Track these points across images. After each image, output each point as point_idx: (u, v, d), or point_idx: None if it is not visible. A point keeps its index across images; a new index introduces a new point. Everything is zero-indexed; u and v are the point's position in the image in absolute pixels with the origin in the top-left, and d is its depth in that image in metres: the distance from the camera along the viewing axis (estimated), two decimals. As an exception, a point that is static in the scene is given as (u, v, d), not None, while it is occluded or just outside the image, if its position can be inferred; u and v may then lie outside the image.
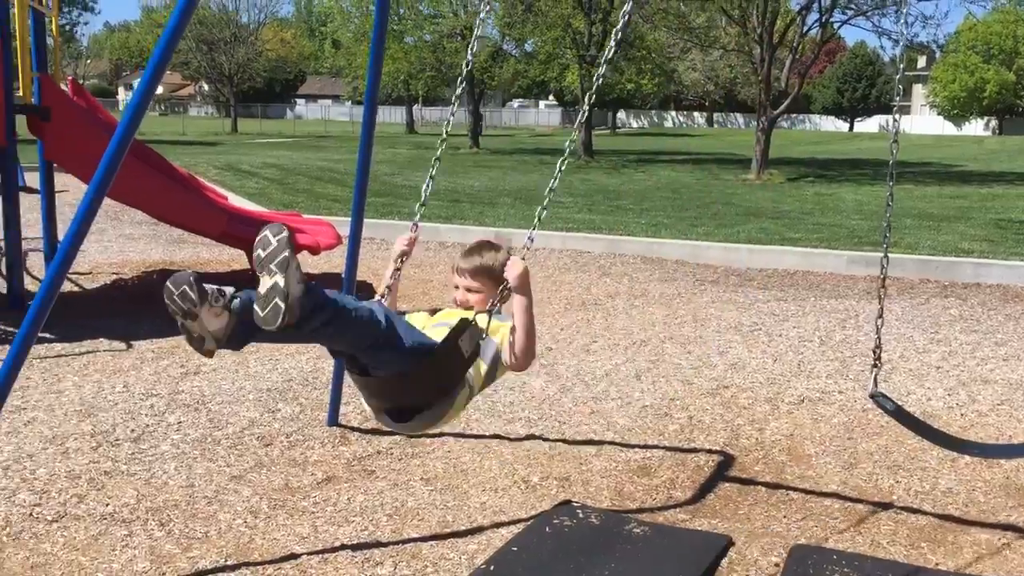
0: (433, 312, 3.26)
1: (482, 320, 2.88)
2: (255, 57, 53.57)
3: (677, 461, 4.33)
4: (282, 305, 2.43)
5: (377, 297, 3.20)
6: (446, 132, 3.57)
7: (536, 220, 3.16)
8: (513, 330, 2.98)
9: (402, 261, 3.27)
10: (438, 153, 3.55)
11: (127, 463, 4.10)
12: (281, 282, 2.45)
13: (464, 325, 2.79)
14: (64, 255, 3.00)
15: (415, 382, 2.79)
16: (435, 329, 2.98)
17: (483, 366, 2.98)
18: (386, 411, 2.95)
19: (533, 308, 3.00)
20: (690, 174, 22.74)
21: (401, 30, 34.08)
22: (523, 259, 3.01)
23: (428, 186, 3.42)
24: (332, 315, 2.57)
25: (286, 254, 2.48)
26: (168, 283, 2.52)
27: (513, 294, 2.96)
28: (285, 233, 2.53)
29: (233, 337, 2.61)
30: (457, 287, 3.19)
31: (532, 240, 3.16)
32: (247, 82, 56.16)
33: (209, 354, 2.63)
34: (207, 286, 2.54)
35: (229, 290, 2.60)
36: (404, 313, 3.17)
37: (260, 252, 2.52)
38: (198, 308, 2.50)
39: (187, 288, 2.48)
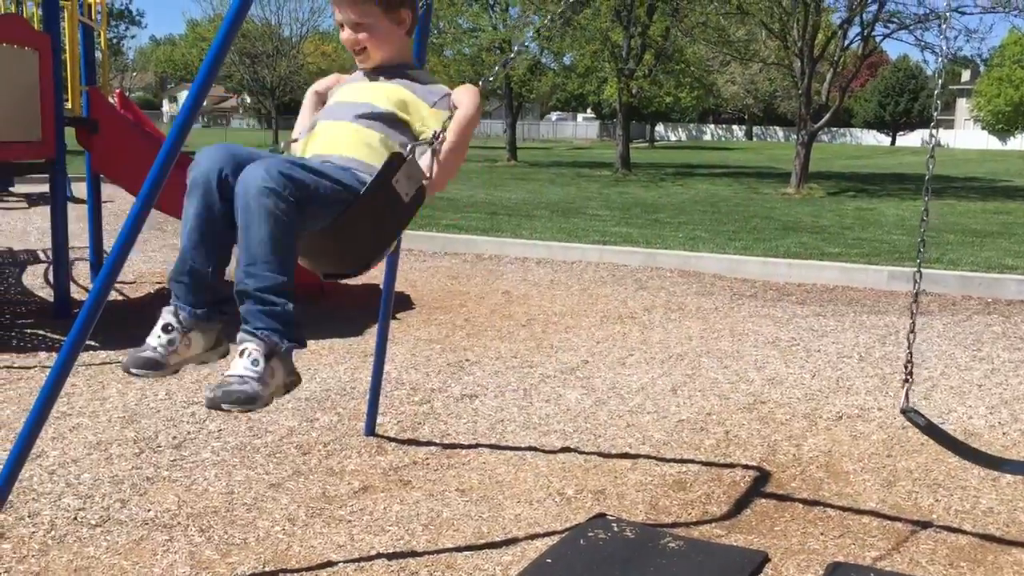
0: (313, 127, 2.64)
1: (420, 153, 2.40)
2: (297, 70, 54.24)
3: (713, 476, 4.31)
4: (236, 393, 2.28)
5: (294, 135, 2.76)
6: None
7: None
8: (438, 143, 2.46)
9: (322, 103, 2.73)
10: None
11: (169, 469, 4.17)
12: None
13: (399, 161, 2.27)
14: (112, 265, 3.07)
15: (346, 236, 2.34)
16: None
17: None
18: (315, 268, 2.66)
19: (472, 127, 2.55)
20: (728, 188, 22.63)
21: (441, 43, 34.35)
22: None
23: None
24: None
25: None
26: (130, 369, 2.41)
27: (457, 115, 2.46)
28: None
29: (216, 324, 2.49)
30: (342, 26, 2.56)
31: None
32: (288, 95, 56.85)
33: (224, 355, 2.53)
34: (148, 354, 2.41)
35: (171, 318, 2.47)
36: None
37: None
38: (168, 368, 2.39)
39: (148, 358, 2.35)
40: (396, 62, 2.62)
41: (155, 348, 2.37)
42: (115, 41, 49.56)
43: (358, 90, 2.58)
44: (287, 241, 2.19)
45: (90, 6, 8.16)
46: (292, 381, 2.38)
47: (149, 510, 3.74)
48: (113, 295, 7.95)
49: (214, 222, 2.28)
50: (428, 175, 2.43)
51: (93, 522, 3.62)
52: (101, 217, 8.36)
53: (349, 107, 2.50)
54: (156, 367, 2.34)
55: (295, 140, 2.65)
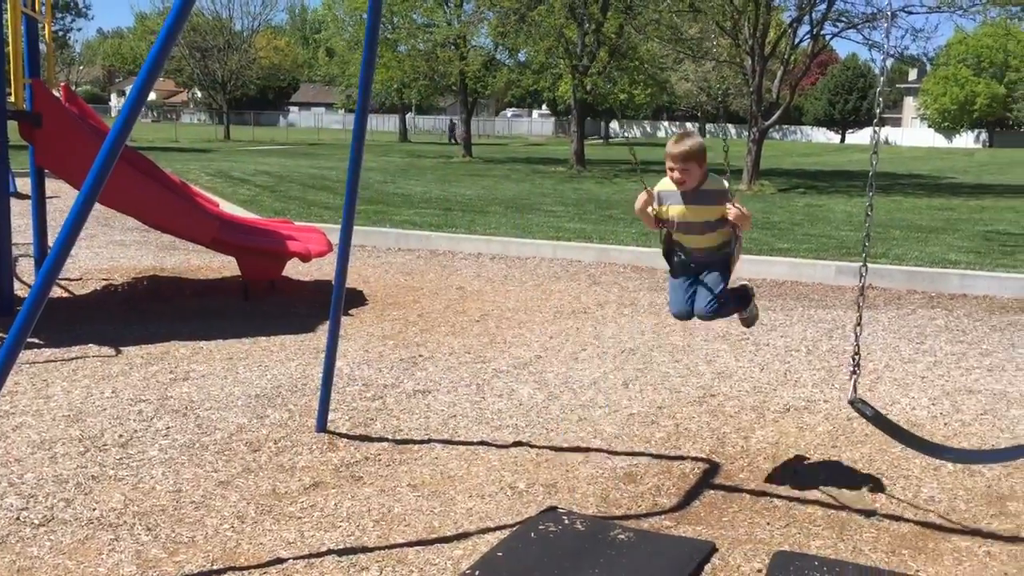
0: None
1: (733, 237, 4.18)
2: (248, 64, 53.59)
3: (663, 468, 4.36)
4: None
5: (656, 227, 4.28)
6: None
7: None
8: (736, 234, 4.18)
9: (651, 207, 4.21)
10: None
11: (115, 468, 4.11)
12: None
13: (726, 247, 4.17)
14: (54, 260, 3.02)
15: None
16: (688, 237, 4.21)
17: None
18: None
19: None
20: (681, 184, 22.80)
21: (395, 39, 34.16)
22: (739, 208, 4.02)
23: None
24: None
25: None
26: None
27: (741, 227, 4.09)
28: None
29: None
30: (672, 169, 4.10)
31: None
32: (240, 89, 56.18)
33: None
34: None
35: None
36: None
37: None
38: None
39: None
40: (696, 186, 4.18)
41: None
42: (61, 34, 48.54)
43: (687, 213, 4.16)
44: (728, 304, 4.18)
45: (33, -2, 7.99)
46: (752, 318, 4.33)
47: (94, 509, 3.68)
48: (58, 292, 7.81)
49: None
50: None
51: (36, 522, 3.55)
52: (45, 212, 8.19)
53: (692, 226, 4.18)
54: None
55: (666, 230, 4.30)
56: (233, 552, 3.39)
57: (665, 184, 4.18)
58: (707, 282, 4.13)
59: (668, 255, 4.35)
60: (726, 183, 4.15)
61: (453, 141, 50.73)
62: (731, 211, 3.99)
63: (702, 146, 4.13)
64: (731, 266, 4.16)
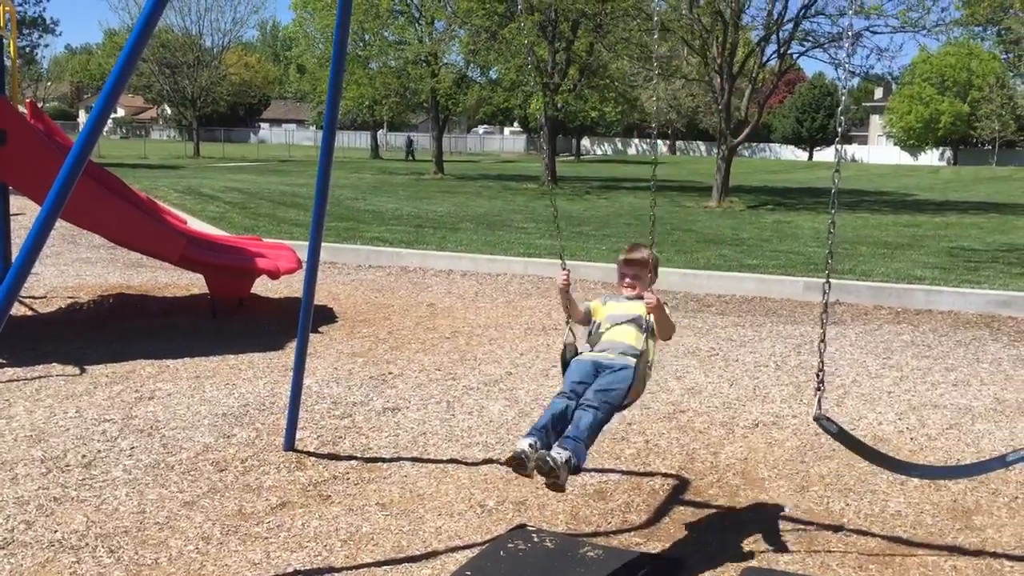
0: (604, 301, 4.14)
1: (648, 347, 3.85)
2: (218, 81, 53.31)
3: (633, 485, 4.36)
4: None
5: (566, 332, 4.03)
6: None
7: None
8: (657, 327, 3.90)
9: (567, 295, 4.04)
10: None
11: (77, 489, 4.05)
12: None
13: (643, 357, 3.77)
14: (15, 277, 2.97)
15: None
16: (612, 328, 3.95)
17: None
18: None
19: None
20: (652, 201, 22.94)
21: (366, 56, 34.17)
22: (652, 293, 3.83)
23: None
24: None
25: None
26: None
27: (658, 315, 3.84)
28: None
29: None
30: (624, 276, 4.08)
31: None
32: (210, 106, 55.87)
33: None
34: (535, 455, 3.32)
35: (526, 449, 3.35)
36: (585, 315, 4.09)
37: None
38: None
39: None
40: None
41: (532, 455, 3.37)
42: (27, 50, 48.03)
43: (623, 305, 4.02)
44: (597, 430, 3.51)
45: (-2, 13, 7.90)
46: (560, 486, 3.31)
47: (56, 531, 3.62)
48: (22, 310, 7.69)
49: (561, 421, 3.55)
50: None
51: (-5, 545, 3.48)
52: (10, 230, 8.07)
53: (623, 315, 3.96)
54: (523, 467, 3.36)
55: (578, 321, 4.11)
56: (198, 574, 3.34)
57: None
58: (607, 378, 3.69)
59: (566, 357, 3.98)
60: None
61: (411, 158, 50.79)
62: (648, 298, 3.78)
63: (656, 259, 4.08)
64: (630, 386, 3.69)
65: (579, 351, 3.95)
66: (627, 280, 4.08)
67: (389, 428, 5.06)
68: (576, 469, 3.37)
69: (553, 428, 3.53)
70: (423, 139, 59.25)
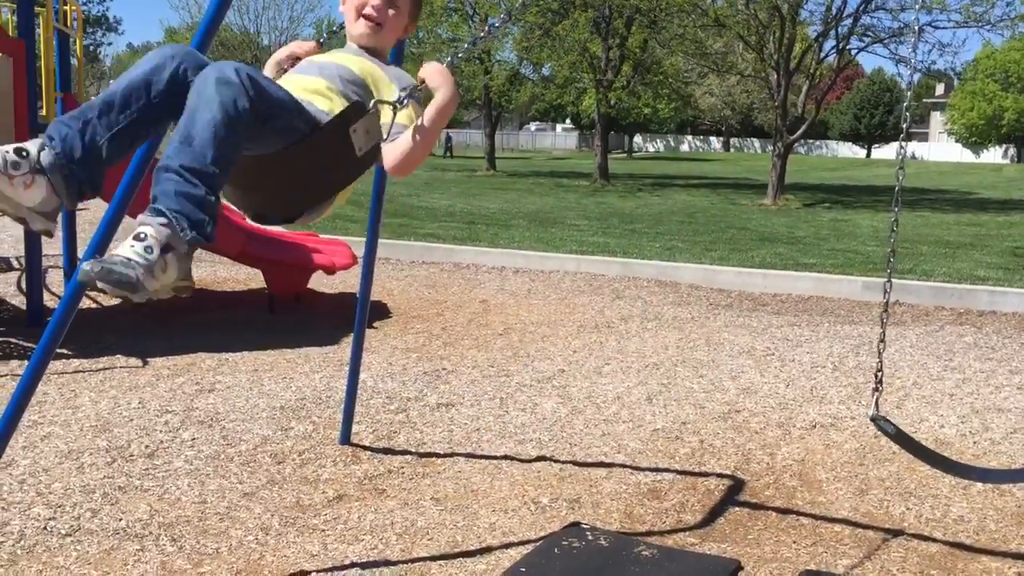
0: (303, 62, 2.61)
1: (386, 111, 2.28)
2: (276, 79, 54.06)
3: (687, 485, 4.33)
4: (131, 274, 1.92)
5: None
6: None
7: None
8: (410, 129, 2.36)
9: (290, 65, 2.67)
10: None
11: (141, 478, 4.14)
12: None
13: (359, 111, 2.21)
14: (83, 272, 3.05)
15: (290, 172, 2.24)
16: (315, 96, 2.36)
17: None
18: (248, 209, 2.52)
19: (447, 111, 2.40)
20: (705, 198, 22.77)
21: (420, 53, 34.38)
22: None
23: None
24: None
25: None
26: None
27: (438, 91, 2.36)
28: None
29: (71, 194, 2.07)
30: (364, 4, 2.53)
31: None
32: (267, 103, 56.63)
33: (48, 233, 2.11)
34: None
35: (32, 146, 2.01)
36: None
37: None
38: None
39: None
40: (382, 52, 2.63)
41: None
42: (92, 48, 49.23)
43: (335, 55, 2.54)
44: (232, 138, 2.00)
45: (66, 13, 8.11)
46: (184, 286, 2.06)
47: (120, 520, 3.71)
48: (87, 303, 7.89)
49: (143, 99, 2.06)
50: (385, 137, 2.33)
51: (63, 532, 3.58)
52: (75, 224, 8.29)
53: (323, 67, 2.45)
54: None
55: None
56: (257, 564, 3.39)
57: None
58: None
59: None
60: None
61: (449, 155, 50.78)
62: (425, 69, 2.41)
63: None
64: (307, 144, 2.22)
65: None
66: (371, 5, 2.55)
67: (443, 424, 5.09)
68: (200, 238, 2.05)
69: (104, 116, 2.09)
70: (475, 135, 59.37)
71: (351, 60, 2.50)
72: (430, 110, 2.33)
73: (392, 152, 2.36)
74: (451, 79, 2.39)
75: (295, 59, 2.65)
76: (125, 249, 1.94)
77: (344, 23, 2.65)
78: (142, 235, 1.97)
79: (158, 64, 2.13)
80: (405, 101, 2.34)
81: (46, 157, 1.98)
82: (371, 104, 2.27)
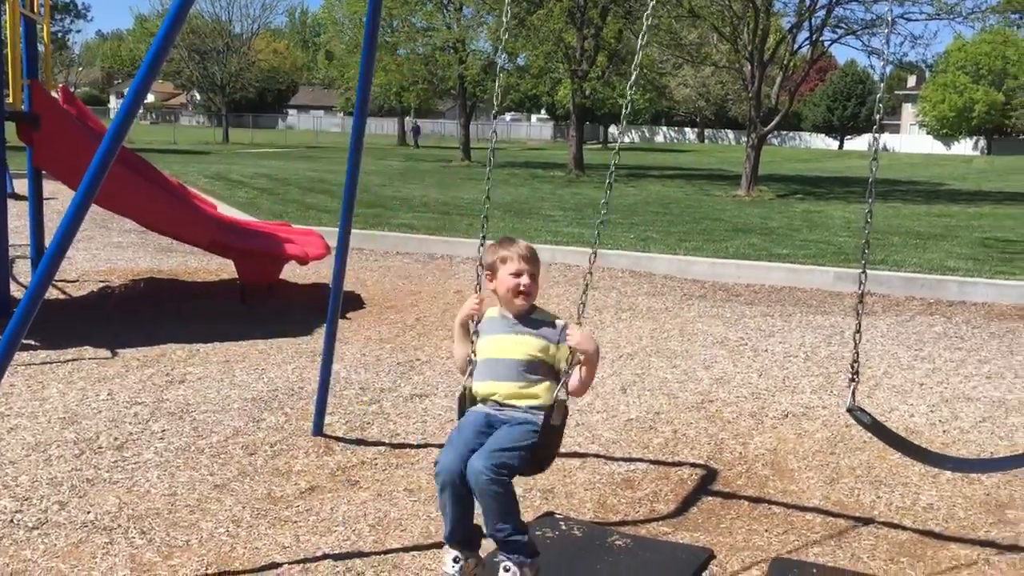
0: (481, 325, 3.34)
1: (561, 394, 3.12)
2: (247, 67, 53.61)
3: (661, 474, 4.34)
4: None
5: (464, 363, 3.29)
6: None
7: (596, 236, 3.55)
8: (574, 369, 3.16)
9: (474, 323, 3.31)
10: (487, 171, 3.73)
11: (109, 471, 4.09)
12: None
13: (551, 410, 3.07)
14: (49, 261, 3.00)
15: (535, 467, 3.16)
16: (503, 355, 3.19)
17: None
18: None
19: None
20: (680, 189, 22.84)
21: (394, 42, 34.16)
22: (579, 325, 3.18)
23: (483, 225, 3.58)
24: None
25: None
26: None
27: (588, 355, 3.14)
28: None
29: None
30: (520, 274, 3.26)
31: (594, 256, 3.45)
32: (239, 92, 56.19)
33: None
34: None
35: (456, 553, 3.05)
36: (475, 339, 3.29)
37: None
38: None
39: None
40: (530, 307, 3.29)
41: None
42: (60, 35, 48.54)
43: (502, 344, 3.20)
44: (510, 501, 2.98)
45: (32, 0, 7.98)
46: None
47: (89, 512, 3.66)
48: (55, 294, 7.78)
49: (462, 501, 3.00)
50: (567, 398, 3.12)
51: (30, 524, 3.53)
52: (43, 214, 8.17)
53: (506, 367, 3.16)
54: None
55: (469, 367, 3.25)
56: (228, 556, 3.37)
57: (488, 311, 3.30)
58: (501, 435, 3.01)
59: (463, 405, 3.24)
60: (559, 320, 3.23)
61: (416, 145, 50.50)
62: (572, 334, 3.09)
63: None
64: (543, 446, 3.05)
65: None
66: (522, 285, 3.20)
67: (417, 414, 5.07)
68: (533, 561, 2.98)
69: (462, 520, 3.02)
70: (450, 126, 59.15)
71: (518, 347, 3.17)
72: (588, 365, 3.13)
73: (575, 390, 3.16)
74: (592, 339, 3.15)
75: (472, 317, 3.28)
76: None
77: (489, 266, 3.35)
78: (508, 568, 2.99)
79: (451, 482, 2.98)
80: (569, 373, 3.13)
81: (466, 557, 3.07)
82: (555, 402, 3.07)
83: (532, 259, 3.28)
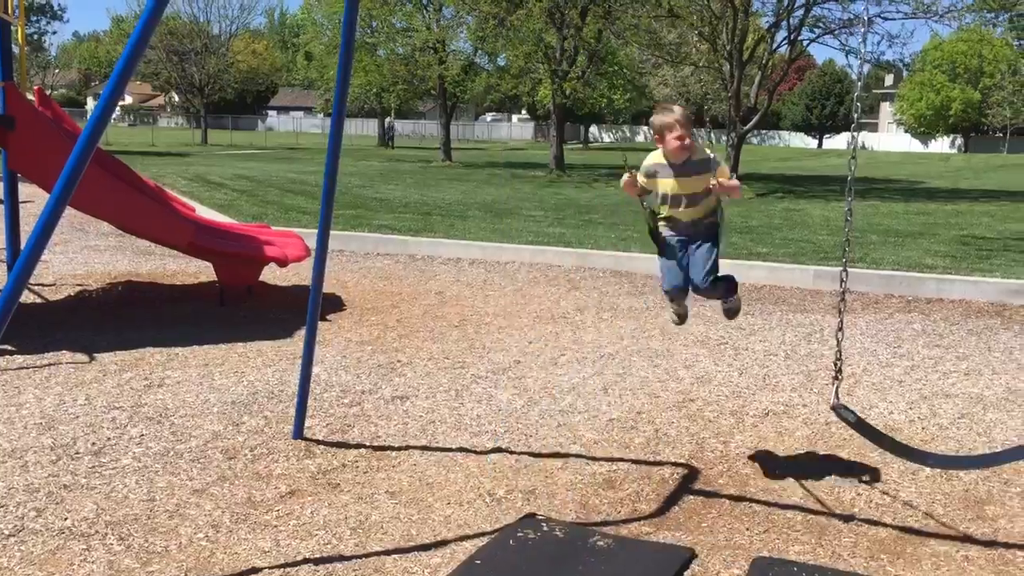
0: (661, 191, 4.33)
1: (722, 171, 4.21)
2: (226, 68, 53.28)
3: (642, 474, 4.34)
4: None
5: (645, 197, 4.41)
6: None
7: None
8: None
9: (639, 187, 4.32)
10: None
11: (87, 477, 4.05)
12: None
13: (720, 211, 4.33)
14: (24, 264, 2.97)
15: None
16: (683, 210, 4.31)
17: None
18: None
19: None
20: (660, 189, 22.87)
21: (374, 43, 34.09)
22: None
23: None
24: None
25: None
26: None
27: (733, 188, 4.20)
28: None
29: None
30: (683, 137, 4.11)
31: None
32: (218, 93, 55.83)
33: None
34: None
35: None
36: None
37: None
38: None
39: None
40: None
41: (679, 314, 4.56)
42: (35, 37, 48.09)
43: (682, 183, 4.23)
44: (726, 277, 4.38)
45: (6, 0, 7.88)
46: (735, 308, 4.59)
47: (66, 519, 3.62)
48: (31, 298, 7.71)
49: (684, 296, 4.47)
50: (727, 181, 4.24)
51: (6, 532, 3.49)
52: (19, 217, 8.07)
53: (686, 200, 4.26)
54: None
55: (651, 203, 4.43)
56: (208, 562, 3.34)
57: (653, 157, 4.27)
58: (700, 253, 4.25)
59: (655, 234, 4.40)
60: (709, 151, 4.26)
61: (390, 145, 50.18)
62: (719, 183, 4.13)
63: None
64: (720, 237, 4.31)
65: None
66: (684, 141, 4.12)
67: (398, 416, 5.05)
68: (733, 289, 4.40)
69: (682, 297, 4.47)
70: (430, 126, 58.99)
71: (687, 185, 4.22)
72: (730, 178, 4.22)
73: (733, 188, 4.20)
74: (736, 184, 4.22)
75: (632, 188, 4.32)
76: (732, 303, 4.71)
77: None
78: (732, 298, 4.64)
79: (679, 283, 4.45)
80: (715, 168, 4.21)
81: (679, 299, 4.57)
82: (719, 208, 4.37)
83: (687, 122, 4.14)
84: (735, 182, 4.18)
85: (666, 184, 4.23)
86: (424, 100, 50.98)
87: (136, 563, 3.30)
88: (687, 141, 4.12)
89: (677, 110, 4.18)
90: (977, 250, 11.64)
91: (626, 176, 4.27)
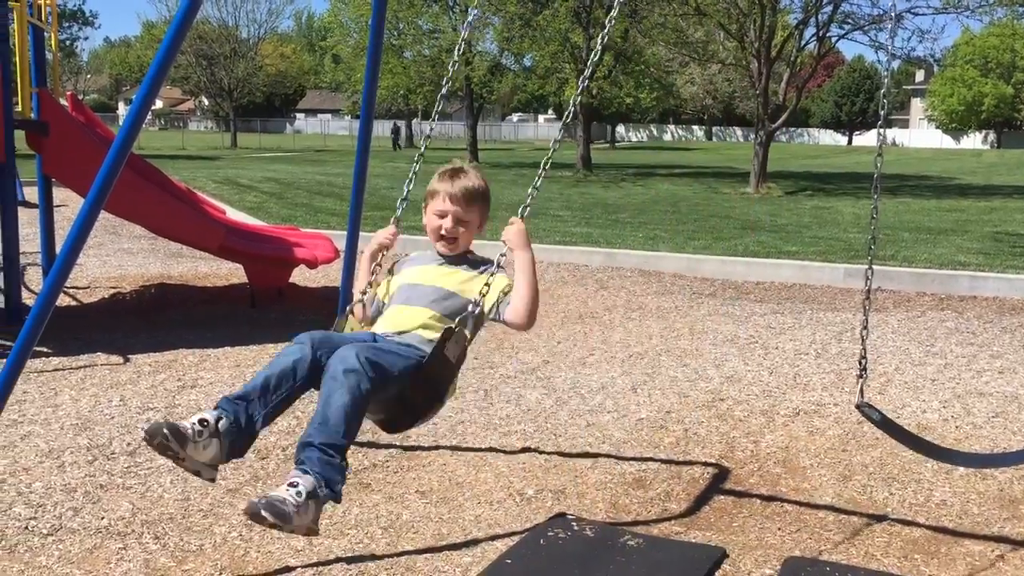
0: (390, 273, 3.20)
1: (464, 324, 2.82)
2: (254, 72, 53.79)
3: (672, 474, 4.33)
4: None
5: (357, 296, 3.18)
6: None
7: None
8: (508, 290, 2.94)
9: (382, 256, 3.15)
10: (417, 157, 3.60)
11: (123, 476, 4.11)
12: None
13: (449, 335, 2.75)
14: (60, 268, 3.02)
15: (409, 400, 2.88)
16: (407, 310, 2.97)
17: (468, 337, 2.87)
18: (381, 424, 3.05)
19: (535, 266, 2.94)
20: (688, 188, 22.81)
21: (400, 45, 34.24)
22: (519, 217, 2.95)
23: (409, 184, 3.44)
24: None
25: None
26: (145, 434, 2.61)
27: (516, 255, 2.89)
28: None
29: (231, 455, 2.72)
30: (444, 215, 3.00)
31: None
32: (247, 97, 56.38)
33: (212, 480, 2.80)
34: (184, 426, 2.61)
35: (211, 416, 2.66)
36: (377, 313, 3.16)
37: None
38: (183, 452, 2.58)
39: (163, 439, 2.57)
40: (464, 252, 3.11)
41: (186, 428, 2.62)
42: (68, 43, 48.75)
43: (424, 272, 3.07)
44: (358, 413, 2.64)
45: (40, 7, 8.01)
46: (313, 529, 2.61)
47: (103, 518, 3.68)
48: (67, 301, 7.82)
49: (291, 382, 2.72)
50: (470, 338, 2.84)
51: (45, 531, 3.55)
52: (53, 221, 8.20)
53: (421, 293, 2.98)
54: (172, 449, 2.61)
55: (359, 302, 3.14)
56: (242, 560, 3.38)
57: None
58: (387, 344, 2.88)
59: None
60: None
61: (398, 148, 50.05)
62: (506, 230, 2.99)
63: (487, 190, 3.11)
64: (426, 375, 2.80)
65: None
66: (444, 229, 2.99)
67: (428, 416, 5.07)
68: (333, 496, 2.58)
69: (261, 397, 2.68)
70: (457, 127, 59.07)
71: (439, 277, 3.02)
72: (518, 272, 2.88)
73: (513, 316, 2.93)
74: (526, 239, 2.94)
75: (385, 248, 3.19)
76: (281, 492, 2.53)
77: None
78: (295, 483, 2.55)
79: (302, 356, 2.74)
80: (478, 302, 2.86)
81: (223, 425, 2.64)
82: (456, 327, 2.77)
83: (464, 200, 2.97)
84: (521, 239, 3.00)
85: (411, 274, 3.20)
86: (451, 101, 51.13)
87: (172, 561, 3.34)
88: (450, 227, 3.06)
89: (451, 187, 3.11)
90: (1011, 247, 11.49)
91: (387, 230, 3.31)
